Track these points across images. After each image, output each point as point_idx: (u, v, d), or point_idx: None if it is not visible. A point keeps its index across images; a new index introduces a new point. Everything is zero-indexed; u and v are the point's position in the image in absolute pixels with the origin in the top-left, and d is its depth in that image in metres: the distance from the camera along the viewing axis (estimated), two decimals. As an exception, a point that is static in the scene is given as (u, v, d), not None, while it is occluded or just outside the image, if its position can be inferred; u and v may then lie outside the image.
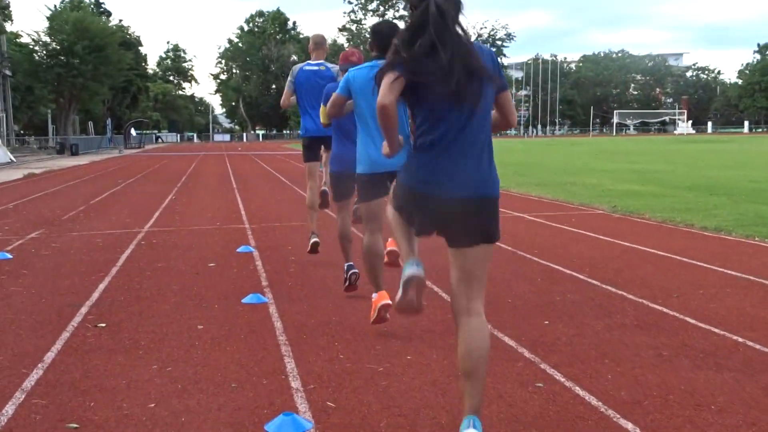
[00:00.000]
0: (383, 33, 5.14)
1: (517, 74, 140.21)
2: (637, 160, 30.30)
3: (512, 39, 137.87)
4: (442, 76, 3.22)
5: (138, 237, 10.36)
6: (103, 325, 5.63)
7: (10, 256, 8.78)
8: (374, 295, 5.35)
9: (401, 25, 4.26)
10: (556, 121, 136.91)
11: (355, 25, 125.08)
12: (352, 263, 6.49)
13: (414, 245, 3.60)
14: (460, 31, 3.26)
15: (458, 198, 3.31)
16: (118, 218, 12.73)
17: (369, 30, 5.53)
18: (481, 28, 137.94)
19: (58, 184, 22.22)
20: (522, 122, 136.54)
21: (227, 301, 6.38)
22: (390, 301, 5.18)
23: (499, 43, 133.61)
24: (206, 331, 5.45)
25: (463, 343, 3.37)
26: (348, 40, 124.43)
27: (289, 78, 8.15)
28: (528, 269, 7.72)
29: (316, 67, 8.05)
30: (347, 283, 6.47)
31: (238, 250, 9.07)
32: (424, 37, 3.22)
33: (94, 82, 65.26)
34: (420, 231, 3.51)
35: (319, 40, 8.30)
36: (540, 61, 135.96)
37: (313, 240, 8.07)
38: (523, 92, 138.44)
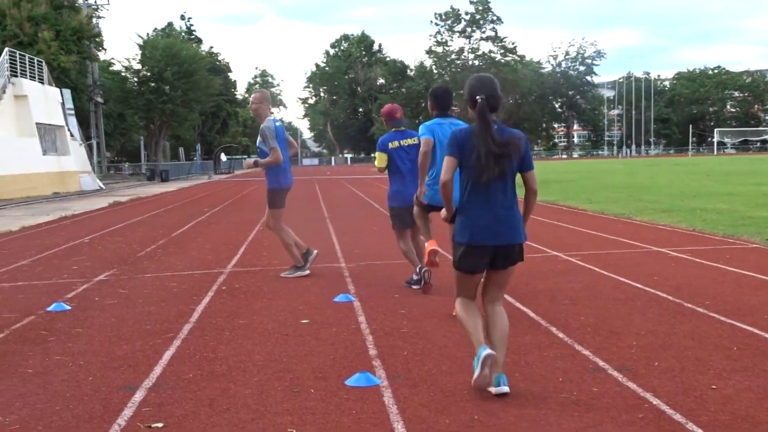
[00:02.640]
0: (440, 96, 6.91)
1: (608, 93, 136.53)
2: (761, 181, 27.71)
3: (602, 57, 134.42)
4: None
5: (219, 280, 8.92)
6: (160, 425, 4.10)
7: (68, 308, 7.42)
8: (426, 243, 7.02)
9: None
10: (651, 140, 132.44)
11: (441, 47, 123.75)
12: (420, 265, 7.68)
13: (482, 332, 4.59)
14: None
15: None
16: (199, 254, 11.37)
17: (429, 94, 7.02)
18: (569, 46, 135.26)
19: (142, 213, 21.24)
20: (615, 142, 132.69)
21: (327, 383, 4.79)
22: (437, 248, 6.89)
23: (588, 61, 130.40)
24: (300, 439, 3.86)
25: (492, 324, 4.60)
26: (434, 62, 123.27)
27: (271, 135, 8.77)
28: (711, 332, 5.89)
29: (280, 123, 9.15)
30: (423, 282, 7.65)
31: (336, 299, 7.50)
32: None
33: (184, 107, 65.41)
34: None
35: (269, 96, 9.27)
36: (632, 79, 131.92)
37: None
38: (615, 111, 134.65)
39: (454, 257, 4.63)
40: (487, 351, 4.35)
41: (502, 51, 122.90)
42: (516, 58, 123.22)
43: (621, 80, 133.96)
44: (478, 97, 4.53)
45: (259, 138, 8.96)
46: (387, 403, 4.37)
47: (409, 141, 7.86)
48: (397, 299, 7.45)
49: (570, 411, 4.13)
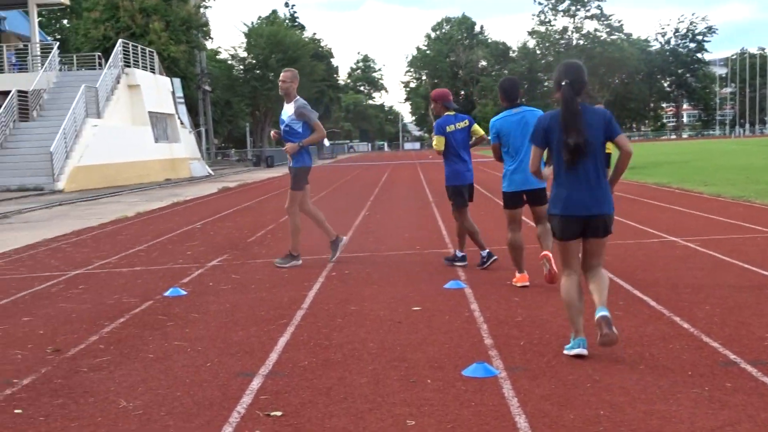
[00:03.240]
0: (507, 88, 7.21)
1: (720, 70, 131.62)
2: None
3: (713, 33, 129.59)
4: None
5: (328, 266, 8.95)
6: (279, 413, 4.09)
7: (185, 293, 7.57)
8: (517, 275, 7.36)
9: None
10: (766, 119, 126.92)
11: (545, 27, 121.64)
12: (488, 250, 8.41)
13: (581, 321, 4.99)
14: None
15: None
16: (308, 239, 11.43)
17: (498, 87, 7.44)
18: (678, 23, 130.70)
19: (249, 198, 21.63)
20: (727, 121, 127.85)
21: (443, 372, 4.69)
22: (528, 283, 7.28)
23: (699, 38, 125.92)
24: (419, 431, 3.78)
25: (593, 283, 4.97)
26: (537, 43, 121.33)
27: (311, 111, 8.97)
28: None
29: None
30: (487, 262, 8.31)
31: (446, 286, 7.40)
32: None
33: (288, 94, 66.33)
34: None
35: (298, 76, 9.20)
36: (746, 55, 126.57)
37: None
38: (727, 89, 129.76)
39: (552, 227, 5.09)
40: (580, 350, 4.87)
41: (607, 29, 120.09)
42: (622, 36, 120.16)
43: (734, 57, 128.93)
44: (563, 82, 4.86)
45: (290, 116, 8.88)
46: (507, 395, 4.24)
47: (461, 124, 8.29)
48: (510, 286, 7.29)
49: (703, 408, 3.92)
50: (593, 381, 4.41)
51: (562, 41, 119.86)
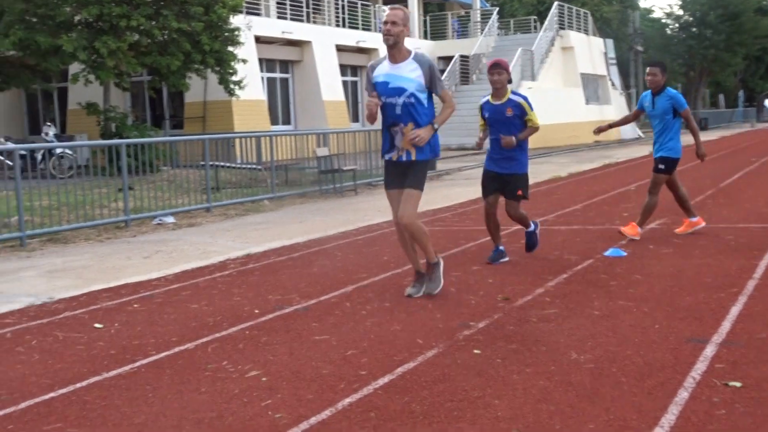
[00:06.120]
0: None
1: None
2: None
3: None
4: None
5: (780, 235, 8.28)
6: (738, 384, 3.89)
7: (624, 254, 7.52)
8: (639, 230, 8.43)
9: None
10: None
11: None
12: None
13: None
14: None
15: None
16: (753, 207, 10.69)
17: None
18: None
19: (682, 162, 20.70)
20: None
21: None
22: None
23: None
24: None
25: None
26: None
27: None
28: None
29: None
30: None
31: None
32: None
33: (727, 52, 62.21)
34: None
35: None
36: None
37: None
38: None
39: None
40: None
41: None
42: None
43: None
44: None
45: (414, 81, 5.87)
46: None
47: None
48: None
49: None
50: None
51: None
